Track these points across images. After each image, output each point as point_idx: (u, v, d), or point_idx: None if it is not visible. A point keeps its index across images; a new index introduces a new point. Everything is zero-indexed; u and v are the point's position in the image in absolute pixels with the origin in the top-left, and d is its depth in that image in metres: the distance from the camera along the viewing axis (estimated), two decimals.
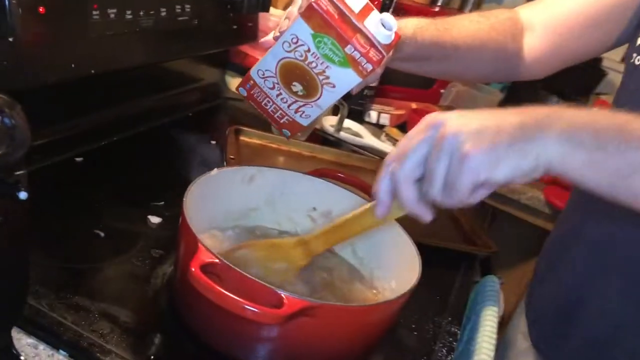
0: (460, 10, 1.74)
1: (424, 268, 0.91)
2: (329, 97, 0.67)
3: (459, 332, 0.80)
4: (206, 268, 0.56)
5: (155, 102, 1.10)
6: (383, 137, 1.42)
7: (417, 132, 0.54)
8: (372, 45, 0.62)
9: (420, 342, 0.76)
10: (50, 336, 0.58)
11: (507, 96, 1.77)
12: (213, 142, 1.07)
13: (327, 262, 0.77)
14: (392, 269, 0.74)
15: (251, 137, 1.12)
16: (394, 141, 1.40)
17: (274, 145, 1.13)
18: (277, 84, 0.68)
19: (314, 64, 0.64)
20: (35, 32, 0.69)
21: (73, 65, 0.77)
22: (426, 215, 0.56)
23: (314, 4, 0.60)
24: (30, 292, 0.61)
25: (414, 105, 1.51)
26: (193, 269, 0.53)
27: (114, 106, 1.00)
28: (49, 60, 0.73)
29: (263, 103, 0.72)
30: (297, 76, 0.66)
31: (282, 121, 0.73)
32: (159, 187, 0.86)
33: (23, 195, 0.45)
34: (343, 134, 1.31)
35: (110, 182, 0.86)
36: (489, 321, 0.95)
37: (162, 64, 1.10)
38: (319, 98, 0.67)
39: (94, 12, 0.78)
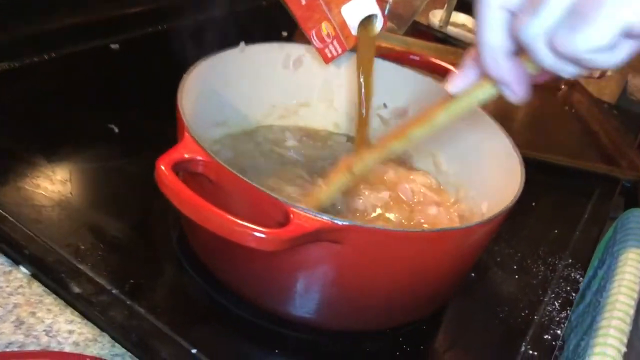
0: None
1: (541, 193, 0.68)
2: None
3: (581, 279, 0.57)
4: (188, 167, 0.39)
5: None
6: None
7: None
8: (336, 37, 0.48)
9: (523, 290, 0.55)
10: (11, 248, 0.45)
11: None
12: (284, 33, 0.89)
13: (397, 176, 0.57)
14: (486, 187, 0.53)
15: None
16: None
17: None
18: None
19: None
20: None
21: None
22: (514, 85, 0.35)
23: None
24: (3, 192, 0.49)
25: None
26: (162, 167, 0.37)
27: None
28: None
29: None
30: None
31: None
32: None
33: None
34: (453, 30, 1.06)
35: (142, 73, 0.71)
36: (630, 267, 0.70)
37: None
38: None
39: None
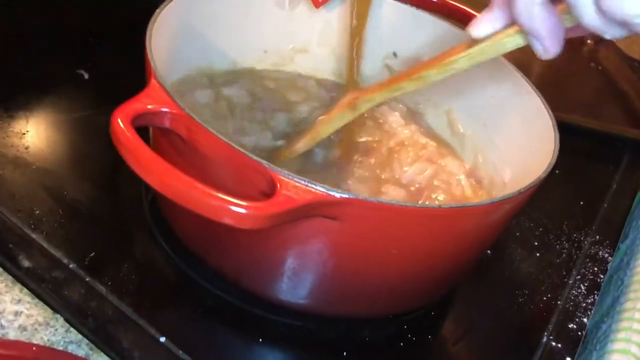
0: None
1: (563, 159, 0.61)
2: None
3: (610, 258, 0.51)
4: (153, 121, 0.32)
5: None
6: None
7: None
8: None
9: (545, 270, 0.48)
10: None
11: None
12: None
13: (405, 137, 0.50)
14: (510, 152, 0.46)
15: None
16: None
17: None
18: None
19: None
20: None
21: None
22: (549, 35, 0.30)
23: None
24: None
25: None
26: (119, 120, 0.30)
27: None
28: None
29: None
30: None
31: None
32: None
33: None
34: None
35: (117, 9, 0.62)
36: None
37: None
38: None
39: None
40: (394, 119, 0.51)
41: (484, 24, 0.34)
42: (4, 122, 0.46)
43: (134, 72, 0.52)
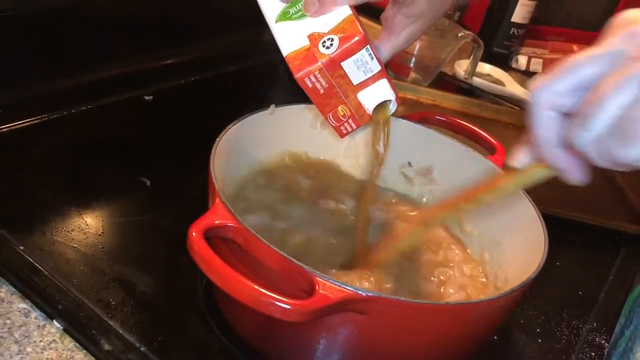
0: None
1: (565, 252, 0.68)
2: None
3: (606, 344, 0.57)
4: (219, 234, 0.40)
5: (247, 39, 0.96)
6: None
7: (602, 43, 0.34)
8: (351, 116, 0.49)
9: (546, 355, 0.54)
10: (45, 302, 0.46)
11: None
12: None
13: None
14: (510, 252, 0.53)
15: None
16: None
17: None
18: None
19: None
20: None
21: None
22: (570, 171, 0.38)
23: (299, 79, 0.45)
24: (39, 246, 0.51)
25: (575, 48, 1.21)
26: (193, 234, 0.38)
27: (199, 40, 0.87)
28: None
29: None
30: None
31: None
32: None
33: None
34: (478, 81, 1.08)
35: (175, 125, 0.73)
36: None
37: None
38: None
39: None
40: None
41: (521, 156, 0.42)
42: (82, 224, 0.55)
43: (186, 180, 0.62)
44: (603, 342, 0.57)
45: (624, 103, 0.32)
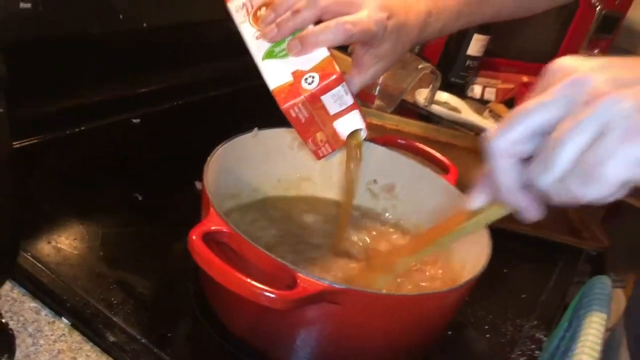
0: None
1: (513, 261, 0.77)
2: None
3: (545, 339, 0.65)
4: (214, 237, 0.47)
5: (230, 66, 1.03)
6: (486, 113, 1.26)
7: (546, 90, 0.37)
8: (328, 141, 0.57)
9: (493, 348, 0.62)
10: (54, 301, 0.52)
11: None
12: None
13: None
14: (462, 257, 0.61)
15: None
16: (498, 118, 1.23)
17: None
18: None
19: None
20: None
21: (121, 16, 0.72)
22: (531, 210, 0.40)
23: (285, 110, 0.53)
24: (45, 253, 0.57)
25: (525, 79, 1.33)
26: (193, 237, 0.45)
27: (185, 67, 0.94)
28: (90, 9, 0.68)
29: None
30: None
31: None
32: None
33: None
34: (437, 108, 1.18)
35: (162, 146, 0.80)
36: (593, 329, 0.78)
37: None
38: None
39: None
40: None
41: (478, 200, 0.44)
42: (83, 233, 0.61)
43: (174, 195, 0.69)
44: (541, 336, 0.65)
45: (582, 145, 0.34)
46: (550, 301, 0.72)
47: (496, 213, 0.44)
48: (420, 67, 1.07)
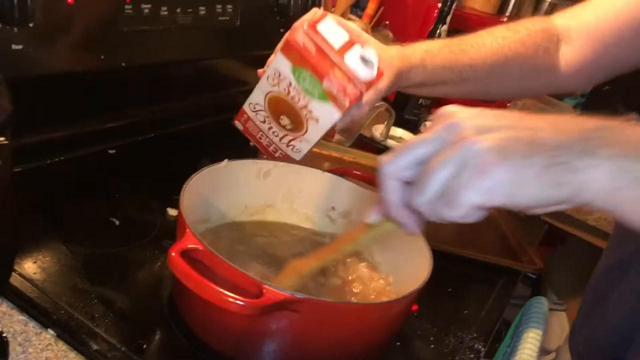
0: None
1: (457, 280, 0.85)
2: (315, 131, 0.69)
3: (483, 349, 0.73)
4: (189, 254, 0.54)
5: (199, 102, 1.11)
6: None
7: (430, 130, 0.45)
8: (350, 80, 0.62)
9: (437, 357, 0.70)
10: (41, 315, 0.58)
11: (581, 112, 1.65)
12: (252, 143, 1.07)
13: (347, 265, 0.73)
14: (407, 274, 0.69)
15: None
16: None
17: (315, 150, 1.10)
18: (267, 117, 0.71)
19: (296, 98, 0.66)
20: (60, 21, 0.71)
21: (102, 57, 0.78)
22: (410, 226, 0.48)
23: (290, 39, 0.61)
24: (32, 271, 0.63)
25: None
26: (173, 254, 0.52)
27: (157, 102, 1.01)
28: (75, 50, 0.74)
29: (257, 136, 0.75)
30: (284, 110, 0.68)
31: (276, 155, 0.75)
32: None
33: None
34: (392, 143, 1.27)
35: (136, 175, 0.86)
36: (529, 344, 0.87)
37: (208, 63, 1.10)
38: (305, 132, 0.70)
39: (127, 7, 0.80)
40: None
41: (374, 216, 0.52)
42: (67, 255, 0.67)
43: (147, 221, 0.76)
44: (480, 347, 0.73)
45: (446, 176, 0.42)
46: (489, 316, 0.80)
47: (387, 228, 0.51)
48: (376, 105, 1.16)
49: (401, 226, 0.49)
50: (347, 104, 0.63)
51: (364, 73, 0.63)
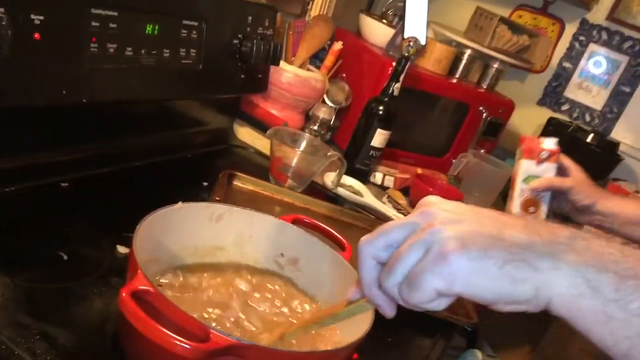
0: (478, 84, 1.74)
1: (398, 331, 0.88)
2: None
3: None
4: (139, 295, 0.55)
5: (159, 139, 1.13)
6: (385, 198, 1.41)
7: (408, 216, 0.48)
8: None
9: None
10: None
11: None
12: (205, 183, 1.08)
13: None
14: (352, 325, 0.72)
15: (245, 183, 1.12)
16: (395, 203, 1.38)
17: (267, 194, 1.13)
18: None
19: None
20: (26, 55, 0.72)
21: (64, 92, 0.79)
22: (383, 307, 0.49)
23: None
24: None
25: (419, 171, 1.50)
26: (123, 294, 0.53)
27: (115, 137, 1.02)
28: (39, 84, 0.75)
29: None
30: None
31: None
32: (136, 220, 0.86)
33: None
34: (342, 191, 1.31)
35: (88, 209, 0.87)
36: None
37: (171, 103, 1.13)
38: None
39: (92, 45, 0.82)
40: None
41: (353, 294, 0.53)
42: (10, 289, 0.66)
43: (96, 256, 0.76)
44: None
45: (413, 261, 0.44)
46: None
47: (364, 307, 0.54)
48: (329, 154, 1.21)
49: (376, 307, 0.51)
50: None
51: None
